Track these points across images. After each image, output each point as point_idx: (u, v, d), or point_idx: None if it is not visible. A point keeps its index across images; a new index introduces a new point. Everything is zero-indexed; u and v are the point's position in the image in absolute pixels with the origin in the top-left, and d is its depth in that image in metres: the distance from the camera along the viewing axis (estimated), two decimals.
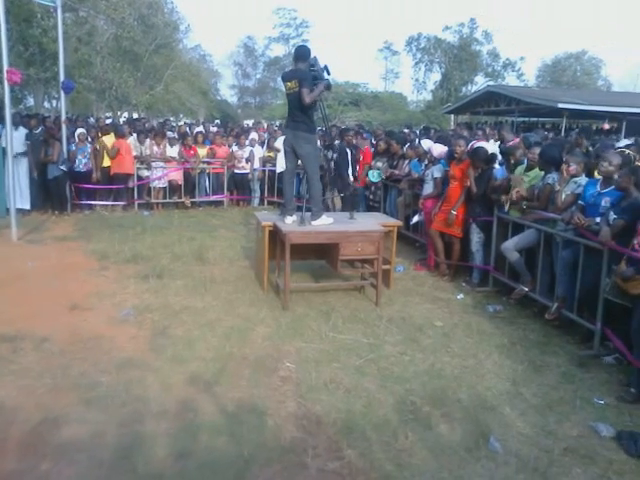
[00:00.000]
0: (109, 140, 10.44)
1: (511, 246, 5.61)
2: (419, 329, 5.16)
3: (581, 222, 4.67)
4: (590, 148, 6.89)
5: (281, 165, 9.83)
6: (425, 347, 4.78)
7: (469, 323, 5.35)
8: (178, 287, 6.07)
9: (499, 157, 6.68)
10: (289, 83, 5.51)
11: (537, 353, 4.73)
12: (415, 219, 7.81)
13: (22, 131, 9.77)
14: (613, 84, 52.79)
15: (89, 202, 10.44)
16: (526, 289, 5.58)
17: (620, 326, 4.33)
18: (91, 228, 8.91)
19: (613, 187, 4.68)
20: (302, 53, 5.61)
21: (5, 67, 7.69)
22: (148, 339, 4.74)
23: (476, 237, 6.41)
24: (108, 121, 16.59)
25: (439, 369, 4.37)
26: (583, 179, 5.13)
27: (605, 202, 4.68)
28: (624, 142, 8.42)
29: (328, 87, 5.77)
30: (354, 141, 9.56)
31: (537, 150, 5.79)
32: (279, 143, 10.15)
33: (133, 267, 6.76)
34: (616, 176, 4.62)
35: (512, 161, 6.30)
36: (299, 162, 5.84)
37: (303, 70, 5.47)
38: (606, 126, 24.97)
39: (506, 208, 5.86)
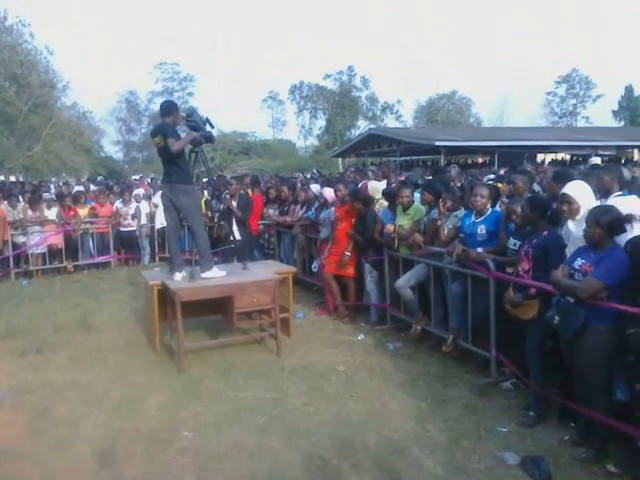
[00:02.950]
0: None
1: (404, 283, 5.68)
2: (322, 376, 5.04)
3: (462, 253, 4.81)
4: (463, 182, 7.27)
5: (160, 221, 9.53)
6: (329, 395, 4.65)
7: (371, 364, 5.30)
8: (60, 360, 5.56)
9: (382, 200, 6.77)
10: (156, 138, 5.44)
11: (439, 387, 4.74)
12: (315, 265, 7.73)
13: None
14: (483, 120, 57.30)
15: None
16: (419, 327, 5.65)
17: (515, 351, 4.44)
18: None
19: (485, 216, 4.90)
20: (165, 108, 5.62)
21: None
22: (26, 424, 4.24)
23: (369, 277, 6.46)
24: None
25: (345, 417, 4.25)
26: (462, 212, 5.33)
27: (480, 230, 4.89)
28: (491, 176, 9.03)
29: (209, 139, 5.74)
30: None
31: (406, 192, 6.03)
32: (157, 198, 9.91)
33: (9, 343, 6.13)
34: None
35: (397, 202, 6.40)
36: (181, 215, 5.64)
37: (167, 123, 5.46)
38: (480, 159, 26.91)
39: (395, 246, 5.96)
